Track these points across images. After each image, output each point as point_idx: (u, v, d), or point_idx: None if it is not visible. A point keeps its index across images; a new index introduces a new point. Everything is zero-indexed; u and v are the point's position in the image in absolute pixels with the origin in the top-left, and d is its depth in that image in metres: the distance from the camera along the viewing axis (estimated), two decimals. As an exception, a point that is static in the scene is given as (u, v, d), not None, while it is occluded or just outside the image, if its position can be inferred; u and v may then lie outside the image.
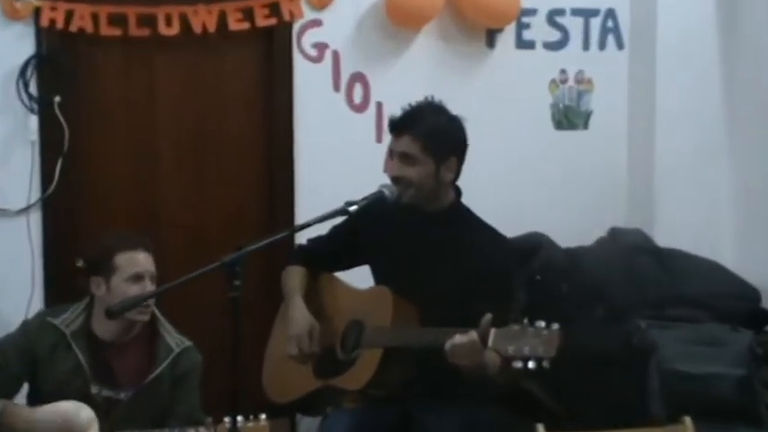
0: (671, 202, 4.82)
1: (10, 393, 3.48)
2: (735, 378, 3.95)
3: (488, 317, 3.01)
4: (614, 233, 4.63)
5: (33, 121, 4.56)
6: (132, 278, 3.51)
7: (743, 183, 4.78)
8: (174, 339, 3.61)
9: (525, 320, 2.91)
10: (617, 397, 4.03)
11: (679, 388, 3.95)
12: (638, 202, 4.94)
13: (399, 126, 3.47)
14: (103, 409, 3.41)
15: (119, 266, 3.51)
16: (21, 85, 4.53)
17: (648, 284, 4.33)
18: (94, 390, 3.46)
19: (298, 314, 3.62)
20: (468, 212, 3.60)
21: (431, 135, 3.44)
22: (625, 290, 4.31)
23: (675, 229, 4.71)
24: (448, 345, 3.10)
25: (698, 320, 4.20)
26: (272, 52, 4.76)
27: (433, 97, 3.56)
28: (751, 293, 4.36)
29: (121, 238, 3.63)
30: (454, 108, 3.58)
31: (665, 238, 4.64)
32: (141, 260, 3.53)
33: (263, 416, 3.08)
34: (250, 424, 3.03)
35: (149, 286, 3.50)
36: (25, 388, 3.57)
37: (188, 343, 3.62)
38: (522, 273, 4.33)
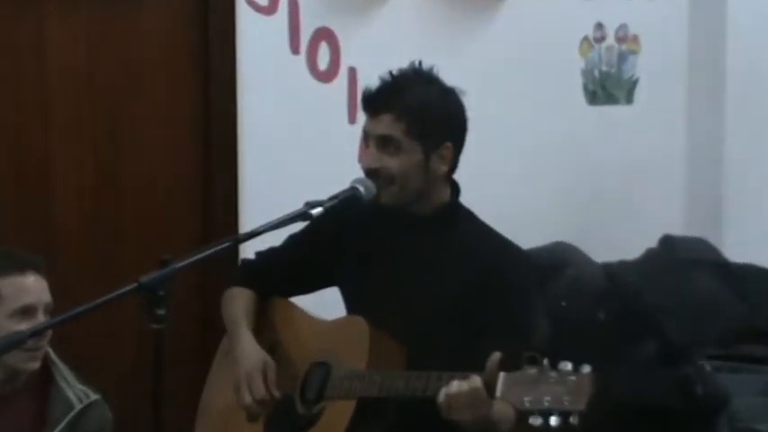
0: (744, 203, 5.02)
1: None
2: None
3: (496, 356, 2.96)
4: (668, 243, 4.70)
5: None
6: (20, 312, 3.48)
7: None
8: (76, 391, 3.57)
9: (546, 361, 2.84)
10: None
11: None
12: (700, 201, 5.12)
13: (377, 102, 3.44)
14: None
15: (1, 296, 3.49)
16: None
17: (715, 312, 4.40)
18: None
19: (246, 349, 3.60)
20: (468, 216, 3.58)
21: (418, 113, 3.42)
22: (684, 320, 4.37)
23: (750, 238, 4.88)
24: (442, 394, 3.06)
25: None
26: (206, 2, 4.80)
27: (420, 63, 3.51)
28: None
29: (3, 258, 3.60)
30: (451, 78, 3.53)
31: (736, 249, 4.78)
32: (32, 287, 3.52)
33: None
34: None
35: (43, 321, 3.49)
36: None
37: (94, 396, 3.59)
38: (543, 296, 4.28)
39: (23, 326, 3.43)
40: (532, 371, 2.84)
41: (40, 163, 4.79)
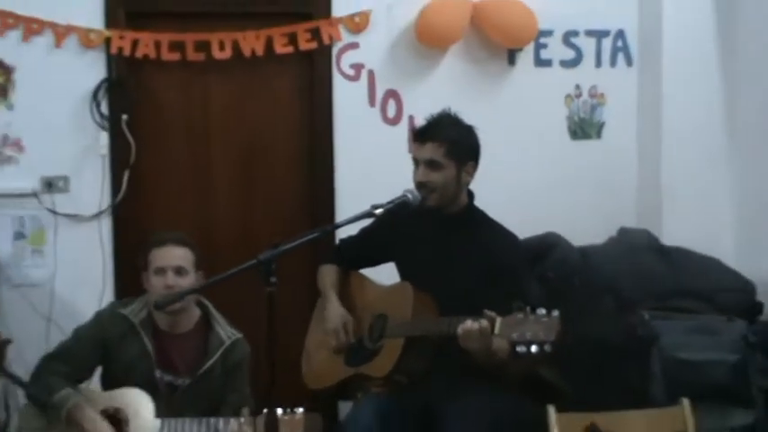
0: (676, 205, 4.79)
1: (82, 377, 3.53)
2: (730, 364, 3.93)
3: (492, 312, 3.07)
4: (623, 233, 4.63)
5: (104, 137, 4.65)
6: (156, 271, 3.51)
7: (742, 187, 4.74)
8: (226, 332, 3.59)
9: (528, 308, 2.93)
10: (622, 381, 4.00)
11: (679, 373, 3.93)
12: (646, 204, 4.92)
13: (424, 134, 3.49)
14: (165, 393, 3.47)
15: (149, 262, 3.54)
16: (93, 106, 4.64)
17: (654, 279, 4.30)
18: (158, 374, 3.50)
19: (334, 310, 3.68)
20: (481, 214, 3.60)
21: (452, 141, 3.45)
22: (632, 284, 4.28)
23: (680, 229, 4.68)
24: (460, 329, 3.13)
25: (698, 312, 4.17)
26: (313, 73, 4.80)
27: (450, 108, 3.56)
28: (747, 287, 4.32)
29: (155, 236, 3.63)
30: (479, 120, 3.59)
31: (671, 237, 4.62)
32: (162, 254, 3.52)
33: (300, 410, 3.07)
34: (286, 417, 3.03)
35: (172, 279, 3.49)
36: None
37: (238, 335, 3.61)
38: (536, 269, 4.33)
39: (158, 281, 3.49)
40: (519, 315, 2.95)
41: (204, 178, 4.86)
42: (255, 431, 3.17)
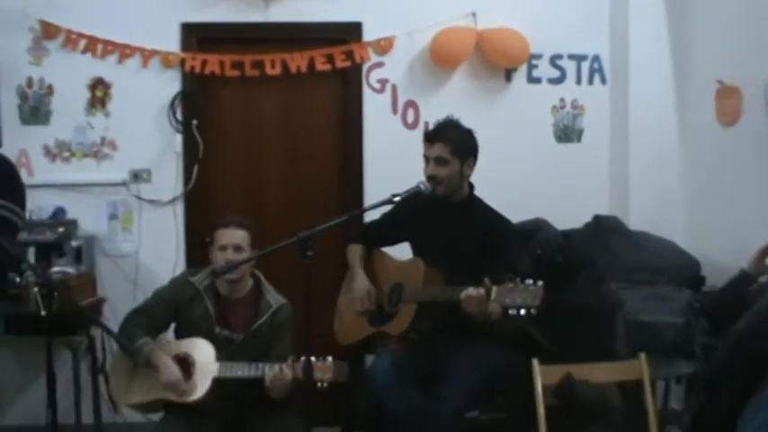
0: (640, 197, 4.79)
1: (160, 329, 3.55)
2: (678, 325, 3.93)
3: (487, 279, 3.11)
4: (597, 219, 4.60)
5: (178, 138, 4.70)
6: (220, 248, 3.50)
7: (691, 183, 4.74)
8: (274, 298, 3.56)
9: (518, 279, 2.94)
10: (593, 339, 3.98)
11: (638, 333, 3.90)
12: (616, 196, 4.91)
13: (433, 136, 3.50)
14: (222, 345, 3.48)
15: (215, 239, 3.53)
16: (170, 113, 4.69)
17: (621, 257, 4.26)
18: (217, 330, 3.50)
19: (360, 281, 3.70)
20: (480, 202, 3.60)
21: (456, 142, 3.45)
22: (603, 261, 4.25)
23: (643, 217, 4.69)
24: (462, 295, 3.14)
25: (654, 283, 4.12)
26: (347, 86, 4.80)
27: (452, 116, 3.56)
28: (693, 264, 4.31)
29: (222, 219, 3.60)
30: (481, 126, 3.61)
31: (635, 223, 4.62)
32: (225, 234, 3.48)
33: (330, 357, 3.15)
34: (319, 363, 3.11)
35: (231, 254, 3.45)
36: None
37: (284, 301, 3.57)
38: (527, 247, 4.29)
39: (220, 256, 3.46)
40: (511, 285, 2.97)
41: (257, 174, 4.85)
42: (294, 373, 3.23)
